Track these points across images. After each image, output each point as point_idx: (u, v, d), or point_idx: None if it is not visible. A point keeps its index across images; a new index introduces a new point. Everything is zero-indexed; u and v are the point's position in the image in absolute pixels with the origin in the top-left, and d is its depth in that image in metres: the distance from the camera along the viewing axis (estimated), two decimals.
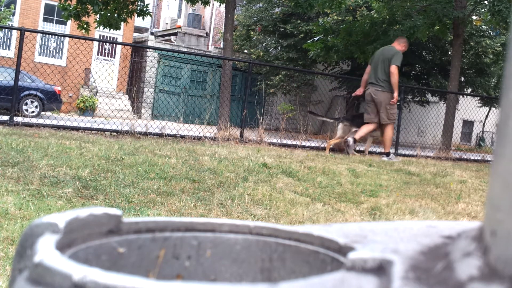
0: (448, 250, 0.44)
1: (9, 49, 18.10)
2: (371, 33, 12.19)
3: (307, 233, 0.52)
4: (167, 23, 26.58)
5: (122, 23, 11.76)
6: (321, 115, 9.16)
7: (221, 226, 0.54)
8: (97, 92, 17.80)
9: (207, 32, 24.96)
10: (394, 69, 7.61)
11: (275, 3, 18.27)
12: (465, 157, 9.71)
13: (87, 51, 14.74)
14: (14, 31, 17.48)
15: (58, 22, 18.74)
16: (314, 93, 18.89)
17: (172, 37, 23.69)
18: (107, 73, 18.82)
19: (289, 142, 8.76)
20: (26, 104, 13.17)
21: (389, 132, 7.94)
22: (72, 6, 10.99)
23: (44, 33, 12.99)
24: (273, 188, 4.90)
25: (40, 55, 18.36)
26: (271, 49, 18.41)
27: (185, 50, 18.91)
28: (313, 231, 0.52)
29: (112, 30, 11.88)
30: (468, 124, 23.68)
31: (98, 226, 0.48)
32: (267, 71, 18.03)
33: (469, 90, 18.01)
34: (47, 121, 8.01)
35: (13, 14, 18.14)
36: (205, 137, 8.00)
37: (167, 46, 20.30)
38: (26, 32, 7.84)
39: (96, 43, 18.14)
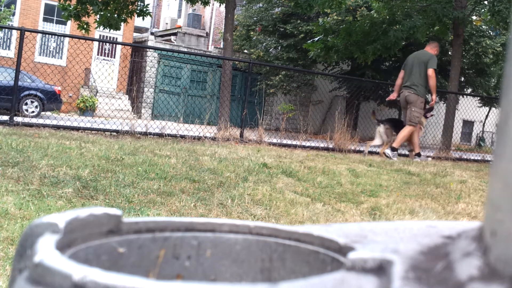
0: (448, 250, 0.44)
1: (9, 49, 18.10)
2: (371, 33, 12.19)
3: (307, 233, 0.52)
4: (167, 23, 26.58)
5: (122, 23, 11.77)
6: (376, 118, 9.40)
7: (221, 226, 0.54)
8: (97, 92, 17.80)
9: (207, 32, 24.96)
10: (431, 72, 7.82)
11: (275, 3, 18.27)
12: (465, 157, 9.71)
13: (87, 51, 14.74)
14: (14, 31, 17.48)
15: (58, 22, 18.74)
16: (314, 93, 18.89)
17: (172, 37, 23.68)
18: (107, 73, 18.82)
19: (289, 142, 8.76)
20: (26, 104, 13.17)
21: (405, 132, 8.07)
22: (72, 6, 10.99)
23: (44, 33, 13.00)
24: (273, 188, 4.90)
25: (40, 55, 18.36)
26: (271, 49, 18.41)
27: (185, 50, 18.91)
28: (313, 231, 0.52)
29: (112, 30, 11.88)
30: (468, 124, 23.68)
31: (98, 226, 0.48)
32: (267, 71, 18.03)
33: (469, 90, 18.02)
34: (47, 121, 8.01)
35: (13, 14, 18.14)
36: (205, 137, 8.00)
37: (167, 46, 20.30)
38: (26, 32, 7.84)
39: (96, 43, 18.14)
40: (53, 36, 18.13)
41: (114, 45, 19.96)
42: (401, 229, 0.55)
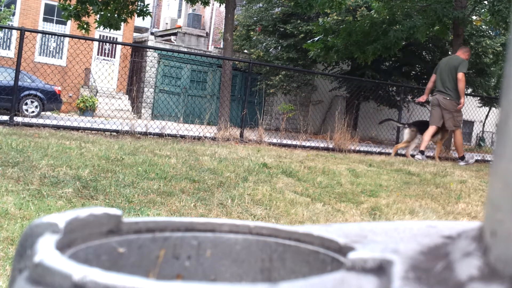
0: (448, 250, 0.44)
1: (9, 49, 18.10)
2: (371, 33, 12.18)
3: (307, 233, 0.52)
4: (167, 23, 26.58)
5: (122, 23, 11.77)
6: (394, 120, 9.54)
7: (221, 226, 0.54)
8: (97, 92, 17.79)
9: (207, 32, 24.96)
10: (461, 76, 8.00)
11: (275, 3, 18.27)
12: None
13: (87, 51, 14.74)
14: (14, 31, 17.48)
15: (58, 22, 18.74)
16: (314, 93, 18.89)
17: (172, 37, 23.68)
18: (107, 73, 18.82)
19: (289, 142, 8.76)
20: (26, 104, 13.17)
21: (458, 137, 8.34)
22: (72, 6, 10.99)
23: (44, 33, 12.99)
24: (273, 188, 4.90)
25: (40, 55, 18.36)
26: (271, 49, 18.40)
27: (185, 50, 18.91)
28: (313, 231, 0.52)
29: (112, 30, 11.88)
30: (468, 124, 23.67)
31: (98, 226, 0.48)
32: (267, 71, 18.03)
33: (469, 90, 18.00)
34: (47, 121, 8.00)
35: (13, 14, 18.14)
36: (205, 137, 8.00)
37: (167, 46, 20.30)
38: (26, 32, 7.84)
39: (96, 43, 18.14)
40: (53, 36, 18.13)
41: (114, 45, 19.96)
42: (401, 229, 0.55)
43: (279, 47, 17.95)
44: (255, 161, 5.94)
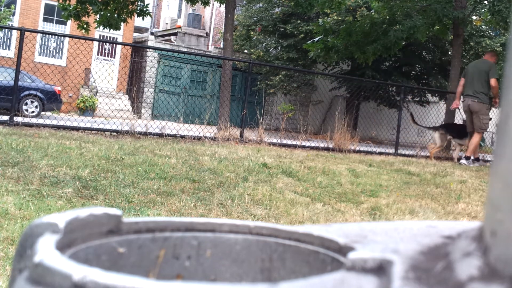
0: (448, 250, 0.44)
1: (9, 49, 18.10)
2: (371, 33, 12.18)
3: (307, 233, 0.52)
4: (167, 23, 26.58)
5: (122, 23, 11.76)
6: (423, 125, 9.67)
7: (221, 226, 0.54)
8: (97, 92, 17.79)
9: (207, 32, 24.96)
10: (494, 82, 8.17)
11: (275, 3, 18.26)
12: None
13: (87, 51, 14.73)
14: (14, 31, 17.48)
15: (58, 22, 18.74)
16: (314, 93, 18.88)
17: (172, 37, 23.68)
18: (107, 73, 18.82)
19: (289, 142, 8.76)
20: (26, 104, 13.16)
21: (476, 139, 8.38)
22: (72, 6, 10.98)
23: (44, 33, 13.00)
24: (273, 188, 4.90)
25: (40, 55, 18.36)
26: (271, 49, 18.40)
27: (185, 50, 18.91)
28: (313, 231, 0.52)
29: (112, 30, 11.88)
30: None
31: (98, 226, 0.48)
32: (267, 71, 18.02)
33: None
34: (47, 121, 8.01)
35: (13, 14, 18.14)
36: (205, 137, 8.00)
37: (167, 46, 20.30)
38: (26, 32, 7.84)
39: (96, 43, 18.13)
40: (53, 36, 18.12)
41: (114, 45, 19.96)
42: (401, 229, 0.55)
43: (279, 47, 17.95)
44: (255, 161, 5.94)
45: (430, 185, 5.89)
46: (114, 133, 7.59)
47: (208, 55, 16.00)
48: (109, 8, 11.08)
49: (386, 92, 17.21)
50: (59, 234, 0.43)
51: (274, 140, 8.70)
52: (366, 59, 12.58)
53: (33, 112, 13.13)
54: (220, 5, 12.45)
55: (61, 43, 18.94)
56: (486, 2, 11.84)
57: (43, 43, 18.58)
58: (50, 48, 18.83)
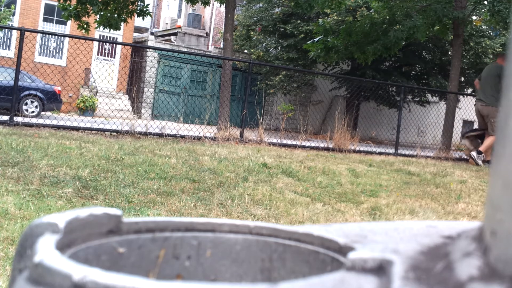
0: (448, 250, 0.44)
1: (9, 49, 18.10)
2: (371, 33, 12.18)
3: (307, 233, 0.52)
4: (167, 23, 26.58)
5: (122, 23, 11.76)
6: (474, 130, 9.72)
7: (221, 226, 0.54)
8: (97, 92, 17.79)
9: (207, 32, 24.96)
10: None
11: (275, 3, 18.26)
12: (465, 157, 9.70)
13: (87, 51, 14.74)
14: (14, 31, 17.48)
15: (58, 22, 18.74)
16: (314, 93, 18.88)
17: (172, 37, 23.68)
18: (107, 73, 18.82)
19: (289, 142, 8.76)
20: (26, 104, 13.16)
21: (490, 141, 8.44)
22: (72, 6, 10.99)
23: (44, 33, 12.98)
24: (273, 188, 4.90)
25: (40, 55, 18.36)
26: (271, 49, 18.39)
27: (185, 50, 18.91)
28: (313, 231, 0.52)
29: (112, 30, 11.88)
30: (468, 124, 23.66)
31: (98, 226, 0.48)
32: (267, 71, 18.02)
33: (469, 90, 18.01)
34: (47, 121, 8.01)
35: (13, 14, 18.13)
36: (205, 137, 8.00)
37: (167, 46, 20.29)
38: (26, 32, 7.84)
39: (96, 43, 18.13)
40: (53, 36, 18.12)
41: (114, 45, 19.96)
42: (401, 229, 0.55)
43: (279, 47, 17.94)
44: (255, 161, 5.94)
45: (430, 185, 5.89)
46: (114, 133, 7.59)
47: (208, 55, 16.00)
48: (109, 8, 11.08)
49: (386, 92, 17.21)
50: (59, 234, 0.43)
51: (274, 140, 8.70)
52: (366, 59, 12.58)
53: (33, 112, 13.13)
54: (220, 5, 12.45)
55: (61, 43, 18.94)
56: (486, 2, 11.84)
57: (43, 43, 18.58)
58: (50, 48, 18.83)
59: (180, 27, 24.35)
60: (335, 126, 8.89)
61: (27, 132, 6.41)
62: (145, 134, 7.64)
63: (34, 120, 8.41)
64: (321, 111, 18.97)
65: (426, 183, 6.01)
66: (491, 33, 16.49)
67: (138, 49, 18.77)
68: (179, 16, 26.72)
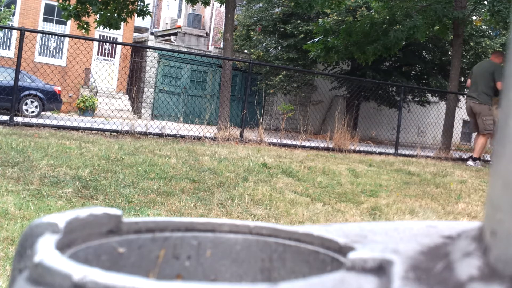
0: (448, 250, 0.44)
1: (9, 49, 18.10)
2: (371, 33, 12.18)
3: (307, 233, 0.52)
4: (167, 23, 26.58)
5: (122, 23, 11.76)
6: None
7: (221, 226, 0.54)
8: (97, 92, 17.79)
9: (207, 32, 24.96)
10: (501, 85, 8.01)
11: (275, 3, 18.26)
12: (465, 157, 9.71)
13: (87, 51, 14.74)
14: (14, 31, 17.47)
15: (58, 22, 18.74)
16: (314, 93, 18.88)
17: (172, 37, 23.68)
18: (107, 73, 18.82)
19: (289, 142, 8.76)
20: (26, 104, 13.16)
21: (483, 140, 8.34)
22: (72, 6, 10.99)
23: (44, 33, 12.98)
24: (273, 188, 4.90)
25: (40, 55, 18.36)
26: (271, 49, 18.39)
27: (185, 50, 18.90)
28: (313, 231, 0.52)
29: (112, 30, 11.88)
30: (468, 124, 23.66)
31: (98, 226, 0.48)
32: (267, 71, 18.02)
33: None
34: (47, 121, 8.01)
35: (13, 14, 18.13)
36: (205, 137, 8.00)
37: (167, 46, 20.29)
38: (26, 32, 7.84)
39: (96, 43, 18.13)
40: (53, 36, 18.12)
41: (114, 45, 19.95)
42: (401, 229, 0.55)
43: (279, 47, 17.94)
44: (255, 161, 5.94)
45: (430, 185, 5.89)
46: (114, 133, 7.59)
47: (208, 55, 16.00)
48: (109, 8, 11.08)
49: (386, 92, 17.22)
50: (59, 234, 0.43)
51: (274, 140, 8.70)
52: (366, 59, 12.58)
53: (33, 112, 13.13)
54: (220, 5, 12.45)
55: (61, 43, 18.94)
56: (486, 2, 11.84)
57: (43, 43, 18.58)
58: (50, 48, 18.83)
59: (180, 27, 24.35)
60: (335, 126, 8.89)
61: (27, 132, 6.41)
62: (145, 134, 7.64)
63: (34, 120, 8.41)
64: (321, 111, 18.97)
65: (426, 183, 6.01)
66: (491, 33, 16.50)
67: (138, 49, 18.77)
68: (179, 16, 26.72)
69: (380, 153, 8.95)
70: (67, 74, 16.92)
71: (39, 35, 17.38)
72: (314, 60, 15.36)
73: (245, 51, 19.72)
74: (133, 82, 18.26)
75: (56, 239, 0.42)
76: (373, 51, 12.12)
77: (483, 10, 13.47)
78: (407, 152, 9.60)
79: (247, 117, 8.81)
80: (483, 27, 16.04)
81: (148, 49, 18.24)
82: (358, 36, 12.31)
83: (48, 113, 13.61)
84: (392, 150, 9.55)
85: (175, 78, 19.28)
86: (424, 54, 18.14)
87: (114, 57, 19.91)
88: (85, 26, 11.24)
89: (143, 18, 12.02)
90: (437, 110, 18.67)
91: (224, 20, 10.82)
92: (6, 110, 10.28)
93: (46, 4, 18.86)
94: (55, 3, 15.78)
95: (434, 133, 13.99)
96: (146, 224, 0.51)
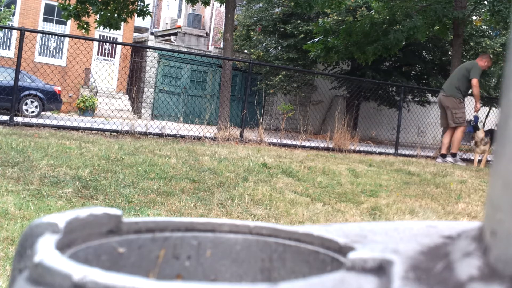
0: (448, 250, 0.44)
1: (9, 49, 18.10)
2: (371, 34, 12.18)
3: (307, 233, 0.52)
4: (167, 23, 26.58)
5: (122, 23, 11.76)
6: None
7: (221, 226, 0.54)
8: (97, 92, 17.79)
9: (207, 32, 24.96)
10: (475, 82, 8.14)
11: (275, 3, 18.26)
12: (465, 157, 9.71)
13: (87, 51, 14.74)
14: (14, 31, 17.47)
15: (58, 22, 18.74)
16: (314, 93, 18.88)
17: (172, 37, 23.68)
18: (107, 73, 18.81)
19: (289, 142, 8.76)
20: (26, 104, 13.16)
21: (458, 134, 8.34)
22: (72, 6, 10.99)
23: (44, 33, 12.98)
24: (273, 188, 4.90)
25: (40, 55, 18.36)
26: (271, 49, 18.39)
27: (185, 50, 18.90)
28: (313, 231, 0.52)
29: (112, 30, 11.88)
30: (468, 124, 23.67)
31: (98, 226, 0.48)
32: (267, 71, 18.02)
33: (469, 90, 18.00)
34: (47, 121, 8.00)
35: (13, 14, 18.13)
36: (205, 137, 8.00)
37: (167, 46, 20.29)
38: (26, 32, 7.84)
39: (96, 43, 18.13)
40: (53, 36, 18.12)
41: (114, 45, 19.95)
42: (401, 229, 0.55)
43: (279, 47, 17.94)
44: (255, 161, 5.94)
45: (430, 185, 5.89)
46: (114, 133, 7.59)
47: (208, 55, 16.00)
48: (109, 8, 11.09)
49: (386, 92, 17.21)
50: (59, 234, 0.43)
51: (274, 140, 8.70)
52: (366, 59, 12.58)
53: (33, 112, 13.13)
54: (220, 5, 12.45)
55: (61, 43, 18.94)
56: (486, 2, 11.84)
57: (43, 43, 18.58)
58: (50, 48, 18.83)
59: (180, 27, 24.34)
60: (335, 126, 8.89)
61: (27, 132, 6.41)
62: (145, 134, 7.64)
63: (34, 120, 8.41)
64: (321, 111, 18.96)
65: (426, 183, 6.01)
66: (491, 33, 16.49)
67: (138, 49, 18.77)
68: (179, 16, 26.72)
69: (380, 153, 8.95)
70: (67, 74, 16.92)
71: (39, 35, 17.38)
72: (314, 60, 15.36)
73: (245, 51, 19.72)
74: (133, 82, 18.26)
75: (56, 239, 0.42)
76: (373, 51, 12.12)
77: (483, 10, 13.47)
78: (407, 152, 9.60)
79: (247, 117, 8.81)
80: (483, 27, 16.03)
81: (148, 49, 18.24)
82: (358, 36, 12.31)
83: (48, 113, 13.61)
84: (392, 150, 9.55)
85: (175, 78, 19.28)
86: (424, 54, 18.13)
87: (114, 57, 19.91)
88: (85, 26, 11.24)
89: (143, 18, 12.02)
90: (437, 110, 18.64)
91: (224, 20, 10.82)
92: (6, 110, 10.28)
93: (46, 4, 18.86)
94: (55, 3, 15.78)
95: (434, 133, 13.98)
96: (146, 224, 0.51)
